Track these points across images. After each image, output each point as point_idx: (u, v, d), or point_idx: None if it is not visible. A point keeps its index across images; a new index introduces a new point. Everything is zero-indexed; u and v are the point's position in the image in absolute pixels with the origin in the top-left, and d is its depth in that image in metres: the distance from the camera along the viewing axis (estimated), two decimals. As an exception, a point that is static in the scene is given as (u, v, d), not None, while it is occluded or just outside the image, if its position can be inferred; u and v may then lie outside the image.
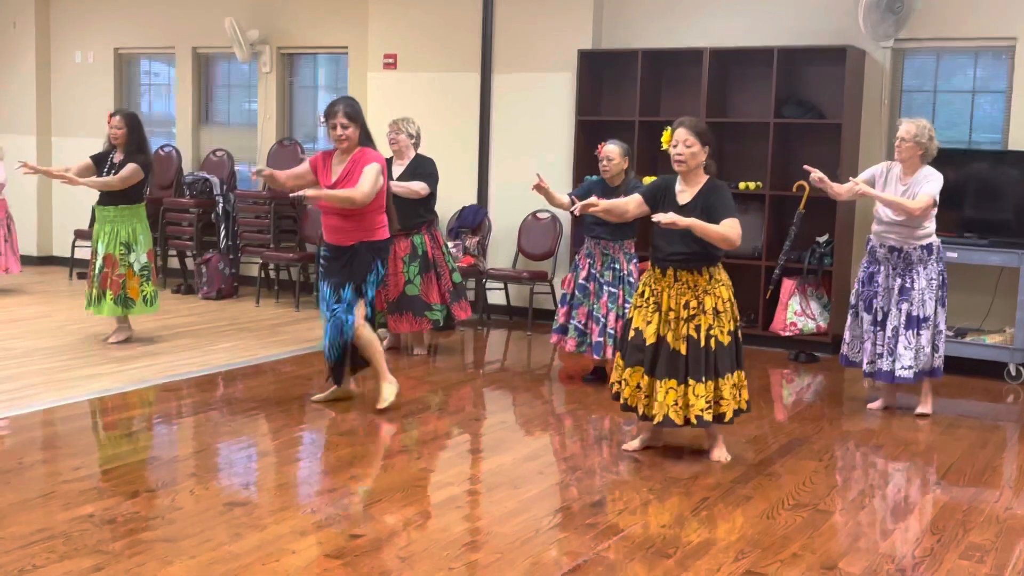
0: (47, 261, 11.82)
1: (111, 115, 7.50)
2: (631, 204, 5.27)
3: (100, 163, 7.47)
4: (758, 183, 8.19)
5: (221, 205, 10.14)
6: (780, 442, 5.64)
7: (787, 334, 8.05)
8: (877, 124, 8.14)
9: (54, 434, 5.54)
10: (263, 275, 10.03)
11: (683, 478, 4.94)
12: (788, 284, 8.07)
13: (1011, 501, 4.79)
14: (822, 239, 8.06)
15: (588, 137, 8.90)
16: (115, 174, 7.30)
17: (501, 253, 9.30)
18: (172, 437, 5.57)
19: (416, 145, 7.55)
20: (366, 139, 5.82)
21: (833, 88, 8.02)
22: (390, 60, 9.59)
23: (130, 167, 7.29)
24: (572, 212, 6.23)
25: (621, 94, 8.85)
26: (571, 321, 6.74)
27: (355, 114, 5.72)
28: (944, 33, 7.91)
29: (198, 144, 11.12)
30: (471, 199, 9.34)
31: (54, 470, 4.84)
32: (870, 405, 6.44)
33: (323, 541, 4.01)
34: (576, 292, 6.73)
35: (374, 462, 5.08)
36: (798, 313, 8.05)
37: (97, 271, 7.41)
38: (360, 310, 5.86)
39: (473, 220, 9.20)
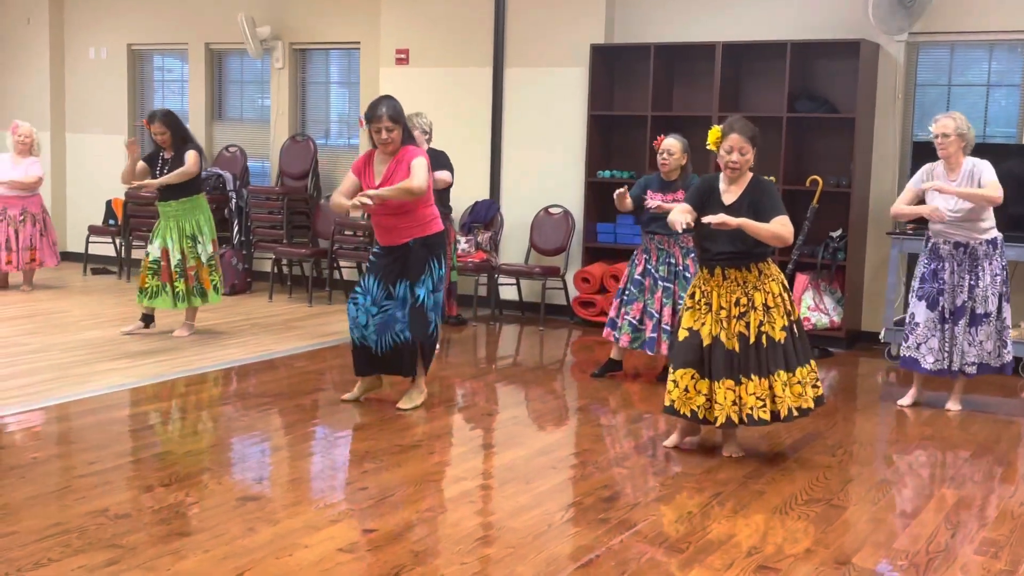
0: (62, 257, 11.82)
1: (147, 122, 7.57)
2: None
3: (152, 163, 7.57)
4: (771, 177, 8.14)
5: (234, 201, 10.16)
6: (794, 437, 5.63)
7: (800, 329, 8.02)
8: (891, 118, 8.11)
9: (69, 429, 5.56)
10: (276, 270, 10.05)
11: (696, 473, 4.93)
12: (801, 279, 8.05)
13: (1026, 496, 4.77)
14: (835, 234, 8.04)
15: (600, 132, 8.90)
16: (168, 171, 7.46)
17: (513, 248, 9.30)
18: (186, 432, 5.59)
19: (429, 140, 7.56)
20: (408, 138, 5.79)
21: (847, 82, 7.99)
22: (402, 55, 9.60)
23: (192, 154, 7.49)
24: (646, 207, 6.32)
25: (633, 89, 8.84)
26: (625, 317, 6.69)
27: (398, 116, 5.65)
28: (958, 27, 7.88)
29: (211, 140, 11.15)
30: (483, 194, 9.34)
31: (69, 464, 4.86)
32: (900, 402, 6.40)
33: (336, 535, 4.02)
34: (631, 287, 6.69)
35: (387, 457, 5.09)
36: (811, 308, 8.02)
37: (175, 266, 7.54)
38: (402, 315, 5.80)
39: (485, 215, 9.20)
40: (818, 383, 5.12)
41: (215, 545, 3.87)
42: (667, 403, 5.14)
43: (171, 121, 7.55)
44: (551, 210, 9.09)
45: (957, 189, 5.97)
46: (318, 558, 3.79)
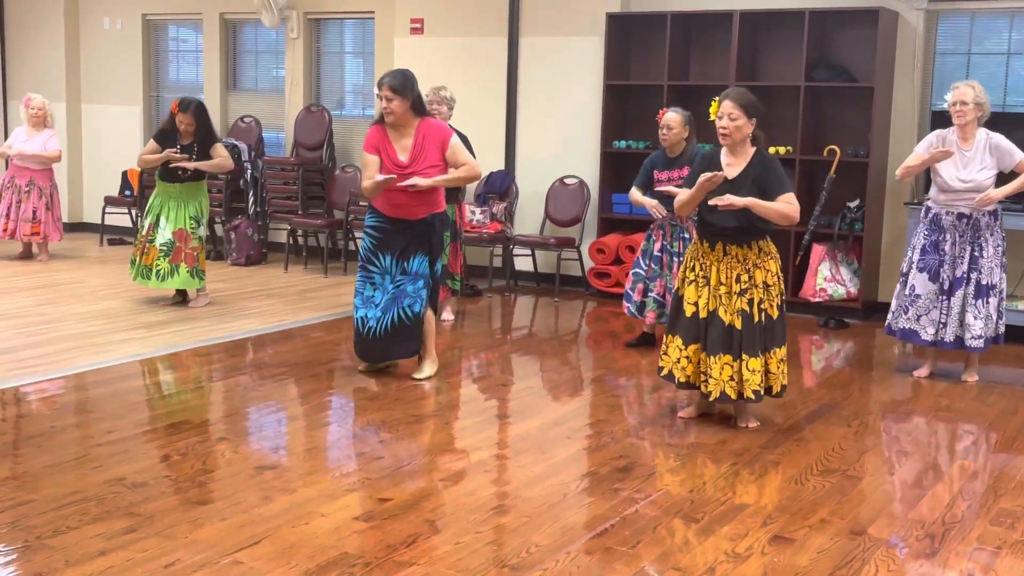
0: (78, 228, 11.90)
1: (178, 108, 7.57)
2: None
3: (164, 142, 7.57)
4: (788, 148, 8.11)
5: (249, 172, 10.16)
6: (809, 408, 5.62)
7: (817, 300, 8.00)
8: (909, 87, 8.03)
9: (87, 398, 5.59)
10: (291, 241, 10.06)
11: (710, 443, 4.93)
12: (818, 250, 8.01)
13: (1043, 467, 4.75)
14: (853, 204, 7.99)
15: (616, 102, 8.85)
16: (194, 159, 7.52)
17: (528, 219, 9.28)
18: (203, 401, 5.62)
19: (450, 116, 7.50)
20: (422, 109, 5.74)
21: (865, 51, 7.91)
22: (417, 25, 9.55)
23: (221, 147, 7.67)
24: (659, 191, 6.36)
25: (650, 58, 8.78)
26: (649, 294, 6.70)
27: (400, 87, 5.60)
28: (979, -6, 7.79)
29: (226, 110, 11.13)
30: (498, 165, 9.31)
31: (87, 434, 4.89)
32: (916, 372, 6.37)
33: (352, 504, 4.04)
34: (653, 264, 6.69)
35: (402, 426, 5.10)
36: (828, 279, 7.99)
37: (162, 245, 7.52)
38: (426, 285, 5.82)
39: (500, 186, 9.18)
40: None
41: (232, 514, 3.89)
42: (682, 379, 5.15)
43: (201, 115, 7.60)
44: (566, 180, 9.06)
45: (1005, 191, 5.96)
46: (334, 526, 3.81)
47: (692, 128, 6.59)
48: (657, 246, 6.67)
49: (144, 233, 7.62)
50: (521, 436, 5.06)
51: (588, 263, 8.94)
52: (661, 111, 6.62)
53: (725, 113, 4.94)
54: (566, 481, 4.37)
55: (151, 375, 6.04)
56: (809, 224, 7.81)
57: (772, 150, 8.04)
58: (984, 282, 6.06)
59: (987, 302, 6.07)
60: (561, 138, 9.12)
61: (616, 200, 8.84)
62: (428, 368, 5.99)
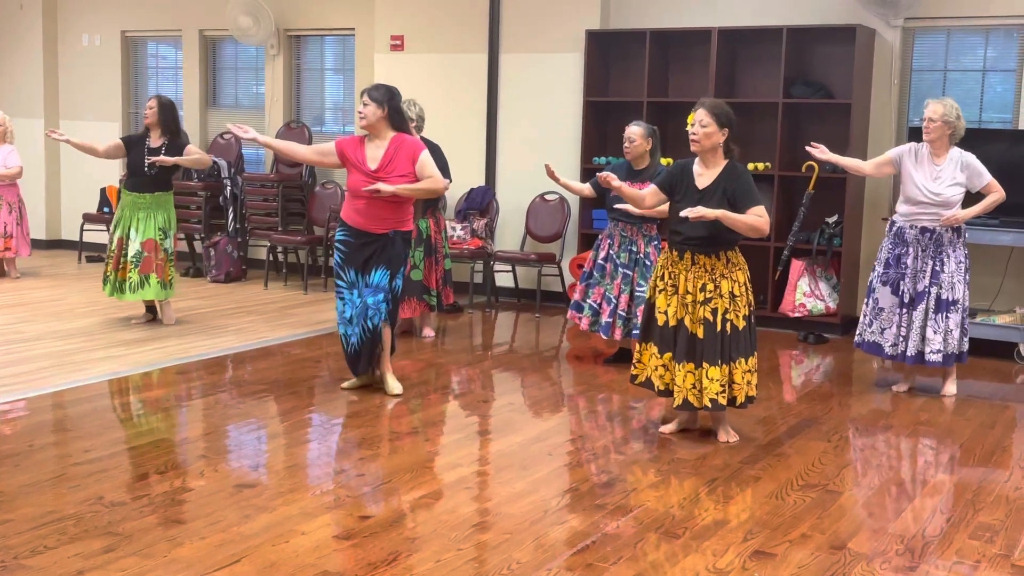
0: (56, 245, 11.84)
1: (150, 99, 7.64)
2: (647, 194, 5.24)
3: (133, 145, 7.50)
4: (767, 163, 8.16)
5: (229, 188, 10.14)
6: (789, 423, 5.63)
7: (796, 315, 8.03)
8: (887, 104, 8.10)
9: (64, 417, 5.55)
10: (271, 258, 10.04)
11: (691, 459, 4.93)
12: (797, 265, 8.05)
13: (1021, 481, 4.77)
14: (831, 220, 8.04)
15: (596, 118, 8.88)
16: (160, 155, 7.41)
17: (509, 235, 9.29)
18: (182, 419, 5.59)
19: (419, 128, 7.48)
20: (399, 124, 5.80)
21: (842, 68, 7.97)
22: (397, 42, 9.57)
23: (193, 147, 7.61)
24: (597, 183, 6.34)
25: (629, 74, 8.82)
26: (587, 300, 6.77)
27: (378, 96, 5.73)
28: (954, 12, 7.86)
29: (206, 127, 11.11)
30: (478, 180, 9.32)
31: (64, 452, 4.85)
32: (895, 387, 6.40)
33: (332, 522, 4.02)
34: (595, 272, 6.76)
35: (383, 444, 5.09)
36: (807, 294, 8.03)
37: (132, 256, 7.45)
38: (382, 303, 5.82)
39: (481, 202, 9.19)
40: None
41: (211, 532, 3.87)
42: (662, 387, 5.18)
43: (168, 106, 7.55)
44: (547, 197, 9.08)
45: (972, 211, 6.05)
46: (314, 545, 3.79)
47: (656, 142, 6.64)
48: (603, 255, 6.73)
49: (114, 248, 7.55)
50: (502, 452, 5.05)
51: (569, 279, 8.95)
52: (628, 127, 6.67)
53: (697, 120, 5.02)
54: (547, 497, 4.37)
55: (130, 393, 6.00)
56: (788, 240, 7.85)
57: (751, 166, 8.11)
58: (944, 297, 6.07)
59: (947, 317, 6.07)
60: (541, 154, 9.09)
61: (596, 216, 8.86)
62: (392, 383, 5.97)
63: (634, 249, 6.60)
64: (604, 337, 6.75)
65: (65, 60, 11.75)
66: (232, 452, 5.03)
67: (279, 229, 10.00)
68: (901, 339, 6.17)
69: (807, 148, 6.32)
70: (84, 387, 5.96)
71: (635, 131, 6.57)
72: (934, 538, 4.04)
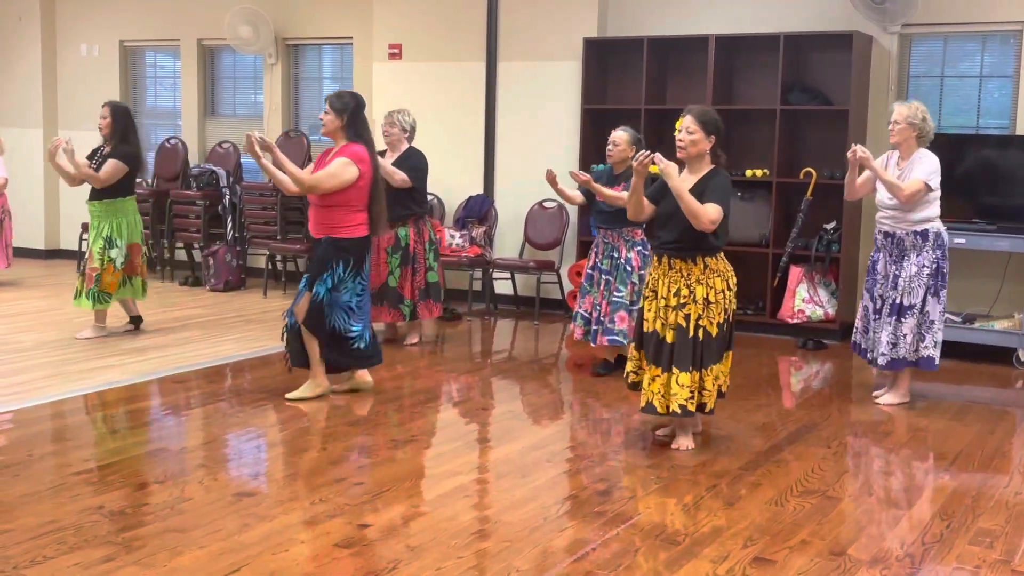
0: (55, 254, 11.84)
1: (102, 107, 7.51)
2: (647, 207, 5.23)
3: (92, 157, 7.47)
4: (765, 170, 8.17)
5: (228, 197, 10.15)
6: (788, 429, 5.63)
7: (795, 321, 8.04)
8: (884, 110, 8.10)
9: (63, 426, 5.55)
10: (270, 266, 10.04)
11: (691, 465, 4.93)
12: (796, 271, 8.05)
13: (1020, 487, 4.78)
14: (830, 226, 8.04)
15: (594, 126, 8.89)
16: (93, 164, 7.32)
17: (508, 243, 9.29)
18: (181, 428, 5.59)
19: (410, 139, 7.48)
20: (353, 135, 5.80)
21: (840, 74, 7.99)
22: (395, 50, 9.58)
23: (111, 163, 7.29)
24: (587, 190, 6.38)
25: (627, 82, 8.83)
26: (579, 309, 6.77)
27: (339, 105, 5.77)
28: (951, 18, 7.88)
29: (204, 136, 11.13)
30: (477, 189, 9.33)
31: (64, 462, 4.85)
32: (874, 394, 6.39)
33: (332, 531, 4.02)
34: (585, 282, 6.77)
35: (382, 452, 5.08)
36: (806, 300, 8.03)
37: (82, 266, 7.47)
38: (303, 304, 5.85)
39: (479, 210, 9.19)
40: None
41: (211, 541, 3.86)
42: (633, 381, 5.26)
43: (117, 112, 7.42)
44: (545, 204, 9.09)
45: (880, 170, 5.93)
46: (314, 553, 3.79)
47: (640, 149, 6.62)
48: (590, 263, 6.73)
49: (110, 262, 7.50)
50: (502, 460, 5.05)
51: (568, 286, 8.96)
52: (613, 132, 6.67)
53: (684, 127, 5.03)
54: (547, 505, 4.37)
55: (129, 403, 5.99)
56: (787, 246, 7.86)
57: (749, 172, 8.13)
58: (900, 301, 5.98)
59: (901, 321, 5.97)
60: (539, 162, 9.08)
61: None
62: (304, 390, 5.96)
63: (615, 255, 6.60)
64: (592, 345, 6.73)
65: (64, 70, 11.76)
66: (231, 461, 5.03)
67: (278, 238, 10.00)
68: (868, 341, 6.19)
69: (850, 153, 6.00)
70: (83, 396, 5.96)
71: (620, 136, 6.58)
72: (934, 544, 4.04)
